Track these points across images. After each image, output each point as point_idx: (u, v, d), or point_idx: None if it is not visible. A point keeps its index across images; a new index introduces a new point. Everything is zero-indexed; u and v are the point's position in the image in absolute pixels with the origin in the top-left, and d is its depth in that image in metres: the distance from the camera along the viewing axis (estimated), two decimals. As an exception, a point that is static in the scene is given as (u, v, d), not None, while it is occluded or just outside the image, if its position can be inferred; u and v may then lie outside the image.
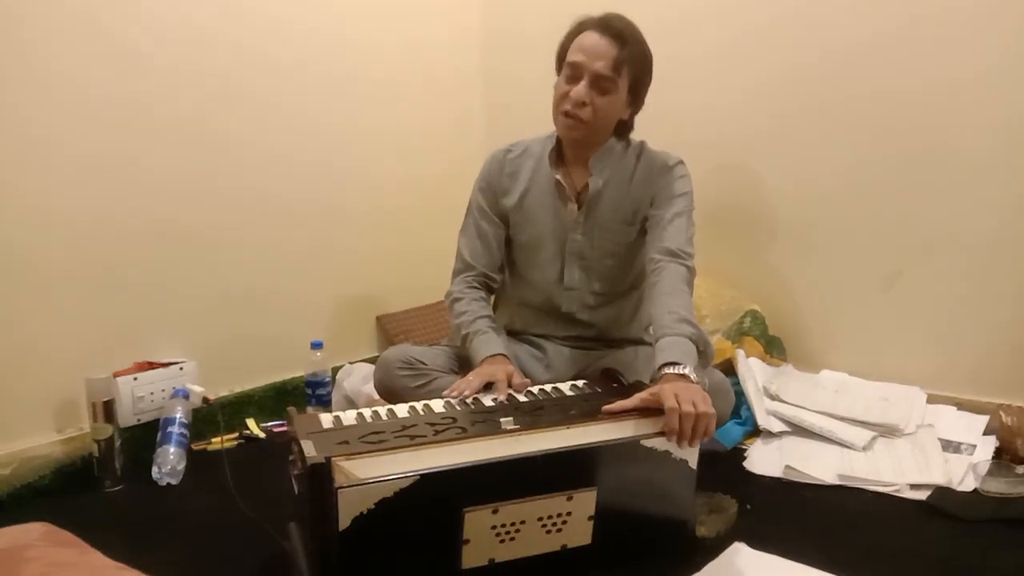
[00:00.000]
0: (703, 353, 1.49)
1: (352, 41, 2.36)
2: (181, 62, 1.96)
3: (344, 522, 1.13)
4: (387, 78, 2.46)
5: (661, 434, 1.29)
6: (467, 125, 2.67)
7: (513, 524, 1.21)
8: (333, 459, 1.19)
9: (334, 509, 1.11)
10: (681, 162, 1.73)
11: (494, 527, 1.20)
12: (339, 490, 1.04)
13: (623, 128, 1.73)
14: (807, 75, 2.13)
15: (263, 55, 2.14)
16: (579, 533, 1.27)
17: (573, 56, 1.63)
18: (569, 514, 1.23)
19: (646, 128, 1.79)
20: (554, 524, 1.23)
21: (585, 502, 1.23)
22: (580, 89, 1.62)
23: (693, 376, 1.39)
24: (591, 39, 1.63)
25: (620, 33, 1.62)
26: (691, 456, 1.26)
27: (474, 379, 1.53)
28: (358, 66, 2.38)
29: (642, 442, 1.24)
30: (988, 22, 1.87)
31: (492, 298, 1.82)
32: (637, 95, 1.69)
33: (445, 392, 1.51)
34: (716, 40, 2.27)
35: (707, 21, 2.28)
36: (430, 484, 1.11)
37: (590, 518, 1.25)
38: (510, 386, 1.52)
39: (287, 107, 2.21)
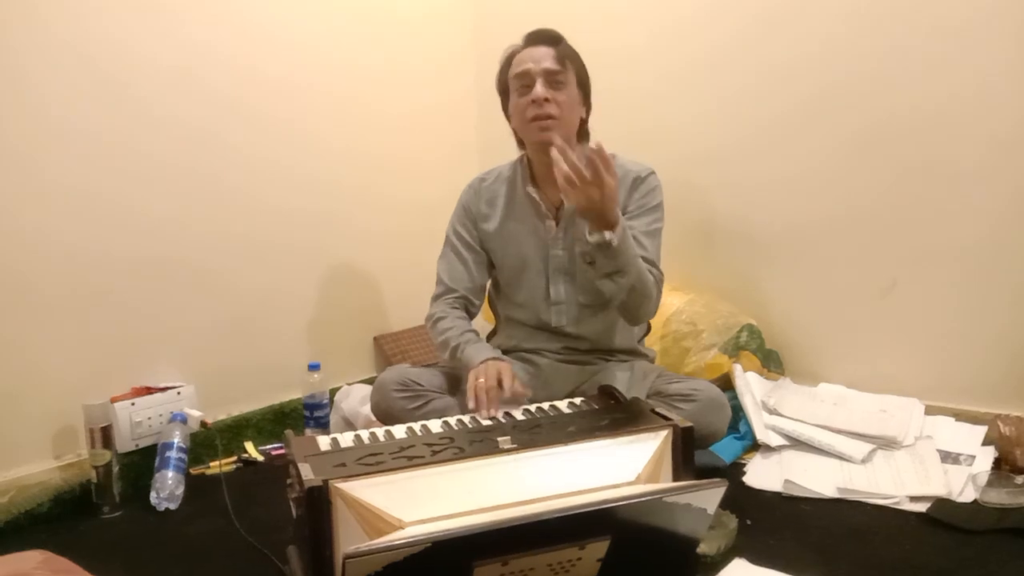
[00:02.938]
0: (624, 248, 1.57)
1: (351, 66, 2.39)
2: (176, 93, 1.98)
3: None
4: (385, 102, 2.49)
5: (682, 489, 1.23)
6: (463, 149, 2.69)
7: (523, 571, 1.18)
8: (331, 482, 1.19)
9: (341, 574, 1.08)
10: (653, 172, 1.78)
11: (503, 575, 1.17)
12: (347, 560, 1.03)
13: (583, 131, 1.80)
14: (799, 89, 2.14)
15: (259, 81, 2.16)
16: (586, 571, 1.25)
17: (516, 69, 1.71)
18: (579, 559, 1.21)
19: (636, 146, 1.81)
20: (563, 568, 1.21)
21: (597, 549, 1.21)
22: (538, 88, 1.68)
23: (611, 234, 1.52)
24: (526, 52, 1.72)
25: (550, 36, 1.73)
26: (711, 505, 1.24)
27: (485, 379, 1.54)
28: (356, 90, 2.41)
29: (664, 499, 1.22)
30: (981, 35, 1.88)
31: (472, 322, 1.84)
32: (585, 91, 1.76)
33: (470, 404, 1.53)
34: (705, 52, 2.29)
35: (693, 32, 2.30)
36: (441, 547, 1.08)
37: (599, 560, 1.23)
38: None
39: (284, 131, 2.23)
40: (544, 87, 1.68)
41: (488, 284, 1.92)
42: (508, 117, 1.81)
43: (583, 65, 1.76)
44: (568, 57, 1.71)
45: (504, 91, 1.79)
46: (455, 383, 1.75)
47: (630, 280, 1.59)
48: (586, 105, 1.78)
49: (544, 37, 1.72)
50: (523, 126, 1.73)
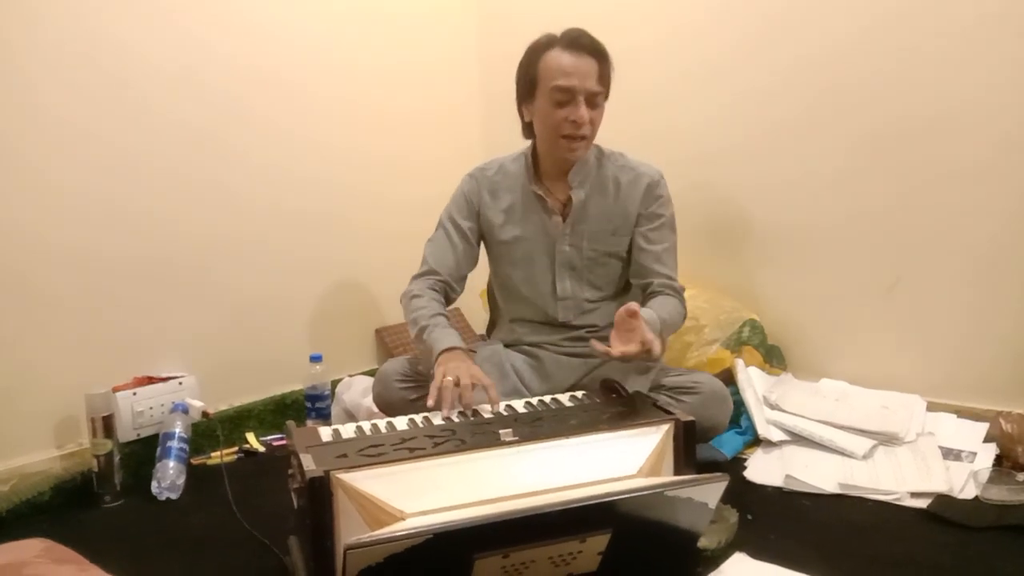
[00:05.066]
0: (661, 336, 1.58)
1: (353, 67, 2.39)
2: (178, 93, 1.99)
3: (351, 574, 1.08)
4: (388, 102, 2.49)
5: (684, 483, 1.23)
6: (467, 149, 2.67)
7: (523, 564, 1.18)
8: (332, 472, 1.19)
9: (342, 565, 1.09)
10: (663, 176, 1.78)
11: (504, 567, 1.17)
12: (348, 551, 1.03)
13: None
14: (806, 91, 2.14)
15: (261, 81, 2.16)
16: (587, 564, 1.25)
17: (559, 80, 1.64)
18: (580, 552, 1.21)
19: (643, 145, 1.80)
20: (563, 560, 1.21)
21: (598, 542, 1.21)
22: (583, 112, 1.65)
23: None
24: (571, 60, 1.64)
25: (596, 47, 1.66)
26: (712, 499, 1.24)
27: (444, 383, 1.49)
28: (359, 91, 2.41)
29: (665, 492, 1.22)
30: (989, 36, 1.88)
31: (448, 308, 1.81)
32: (607, 98, 1.73)
33: (430, 404, 1.48)
34: (710, 50, 2.28)
35: (701, 35, 2.30)
36: (442, 539, 1.08)
37: (600, 553, 1.24)
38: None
39: (286, 130, 2.23)
40: (586, 108, 1.65)
41: (488, 277, 1.92)
42: (521, 108, 1.76)
43: (612, 70, 1.71)
44: (607, 76, 1.68)
45: (529, 84, 1.71)
46: None
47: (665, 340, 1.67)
48: None
49: (589, 47, 1.66)
50: (552, 137, 1.70)
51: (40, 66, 1.75)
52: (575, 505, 1.14)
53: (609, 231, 1.75)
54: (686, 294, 2.19)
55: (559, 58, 1.65)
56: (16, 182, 1.73)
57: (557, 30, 1.70)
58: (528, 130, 1.78)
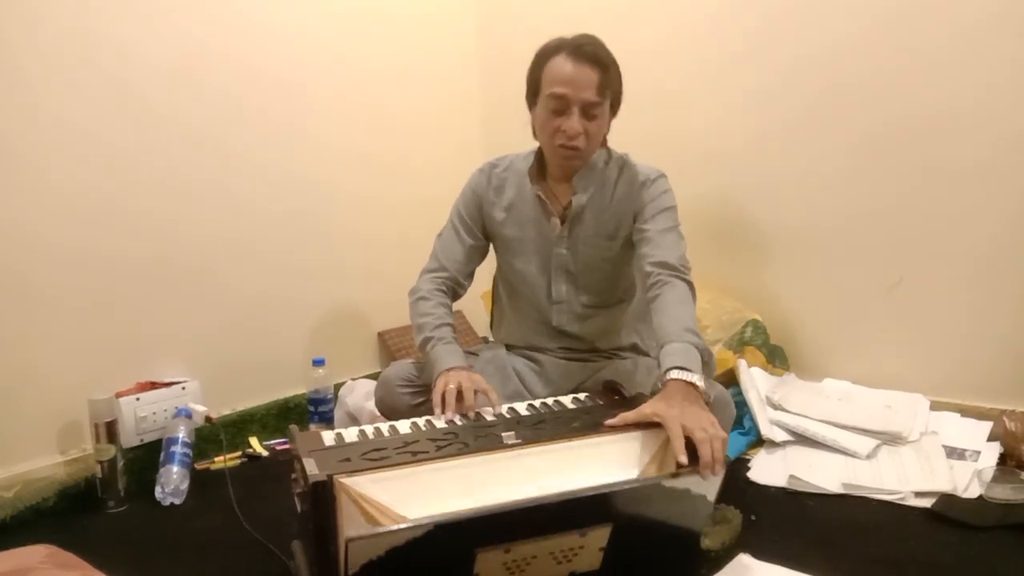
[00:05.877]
0: (706, 364, 1.48)
1: (354, 68, 2.40)
2: (178, 93, 1.99)
3: (353, 568, 1.10)
4: (389, 102, 2.49)
5: (680, 474, 1.23)
6: (468, 148, 2.68)
7: (525, 559, 1.18)
8: (335, 477, 1.19)
9: (344, 558, 1.09)
10: (663, 175, 1.72)
11: (505, 563, 1.18)
12: (350, 543, 1.03)
13: (604, 139, 1.75)
14: (809, 91, 2.14)
15: (262, 81, 2.16)
16: (589, 561, 1.24)
17: (555, 88, 1.61)
18: (582, 547, 1.22)
19: (644, 146, 1.80)
20: (565, 556, 1.22)
21: (599, 536, 1.20)
22: (574, 123, 1.61)
23: (701, 384, 1.38)
24: (570, 68, 1.61)
25: (598, 57, 1.62)
26: (711, 491, 1.24)
27: (447, 389, 1.49)
28: (359, 91, 2.41)
29: (664, 483, 1.21)
30: (990, 36, 1.88)
31: (453, 305, 1.80)
32: (616, 108, 1.70)
33: (436, 413, 1.48)
34: (710, 51, 2.28)
35: (704, 35, 2.30)
36: (443, 531, 1.08)
37: (601, 548, 1.23)
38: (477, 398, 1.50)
39: (286, 131, 2.23)
40: (579, 119, 1.61)
41: (493, 277, 1.92)
42: (531, 110, 1.73)
43: (620, 80, 1.67)
44: (609, 83, 1.63)
45: (533, 88, 1.69)
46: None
47: (711, 362, 1.55)
48: (612, 117, 1.72)
49: (592, 57, 1.61)
50: (548, 144, 1.68)
51: (40, 66, 1.75)
52: (573, 496, 1.14)
53: (605, 235, 1.73)
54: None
55: (561, 65, 1.62)
56: (16, 182, 1.73)
57: (556, 32, 1.68)
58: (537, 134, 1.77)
